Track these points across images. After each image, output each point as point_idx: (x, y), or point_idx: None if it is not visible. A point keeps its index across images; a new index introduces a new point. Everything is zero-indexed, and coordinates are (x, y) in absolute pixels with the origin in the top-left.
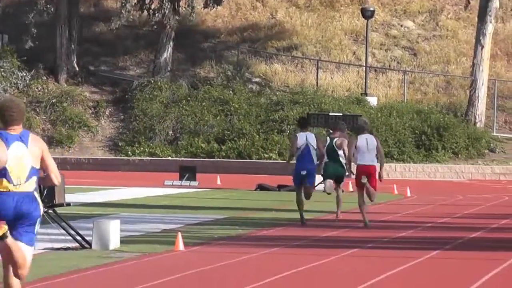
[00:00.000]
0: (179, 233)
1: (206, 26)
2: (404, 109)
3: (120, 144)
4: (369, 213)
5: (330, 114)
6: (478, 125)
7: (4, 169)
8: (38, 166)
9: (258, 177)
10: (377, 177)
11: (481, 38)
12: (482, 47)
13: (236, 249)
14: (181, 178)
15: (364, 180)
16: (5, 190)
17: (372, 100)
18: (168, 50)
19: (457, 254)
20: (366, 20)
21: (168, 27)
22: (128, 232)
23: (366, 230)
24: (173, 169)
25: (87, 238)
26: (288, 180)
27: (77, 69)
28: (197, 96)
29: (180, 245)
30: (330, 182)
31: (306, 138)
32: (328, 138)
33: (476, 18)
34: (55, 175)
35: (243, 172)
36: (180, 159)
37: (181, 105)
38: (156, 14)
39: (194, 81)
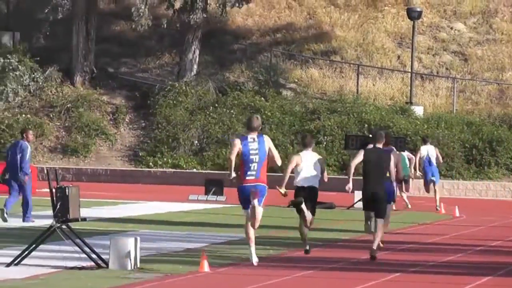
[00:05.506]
0: (204, 253)
1: (236, 26)
2: (453, 120)
3: (140, 154)
4: (414, 234)
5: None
6: None
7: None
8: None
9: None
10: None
11: None
12: None
13: (266, 271)
14: (207, 193)
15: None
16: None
17: (418, 110)
18: (194, 52)
19: (510, 281)
20: (412, 22)
21: (195, 26)
22: (148, 251)
23: (410, 253)
24: (198, 183)
25: (103, 256)
26: (325, 197)
27: (94, 71)
28: (225, 102)
29: (205, 266)
30: None
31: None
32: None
33: None
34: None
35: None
36: (206, 171)
37: (207, 112)
38: (183, 12)
39: (223, 86)
